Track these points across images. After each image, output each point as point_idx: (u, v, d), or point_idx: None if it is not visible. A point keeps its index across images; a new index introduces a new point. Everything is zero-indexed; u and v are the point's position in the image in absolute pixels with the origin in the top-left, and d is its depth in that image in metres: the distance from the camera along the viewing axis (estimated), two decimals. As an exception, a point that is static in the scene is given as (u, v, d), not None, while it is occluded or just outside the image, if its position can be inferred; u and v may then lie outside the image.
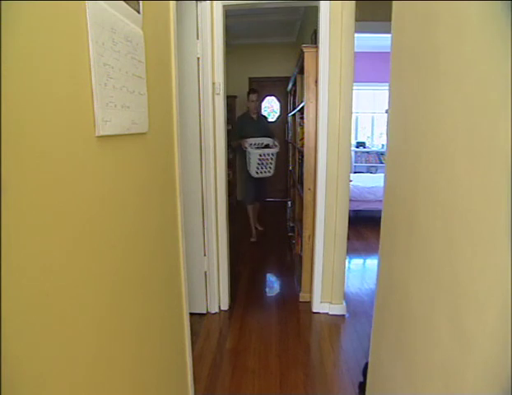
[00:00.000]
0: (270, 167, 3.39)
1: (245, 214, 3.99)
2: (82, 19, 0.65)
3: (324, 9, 2.12)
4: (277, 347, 2.03)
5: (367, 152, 6.06)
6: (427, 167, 0.78)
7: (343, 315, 2.38)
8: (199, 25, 2.09)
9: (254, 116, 3.71)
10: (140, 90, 0.93)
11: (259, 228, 4.13)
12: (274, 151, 3.39)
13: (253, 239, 3.87)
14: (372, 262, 3.35)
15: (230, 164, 4.65)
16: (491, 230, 0.54)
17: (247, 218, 3.95)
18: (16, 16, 0.48)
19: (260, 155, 3.30)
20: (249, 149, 3.36)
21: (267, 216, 5.04)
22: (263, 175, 3.40)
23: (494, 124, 0.53)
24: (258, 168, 3.35)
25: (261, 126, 3.71)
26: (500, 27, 0.51)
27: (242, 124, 3.70)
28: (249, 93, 3.69)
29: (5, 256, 0.45)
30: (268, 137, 3.67)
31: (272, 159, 3.36)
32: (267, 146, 3.57)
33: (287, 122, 4.95)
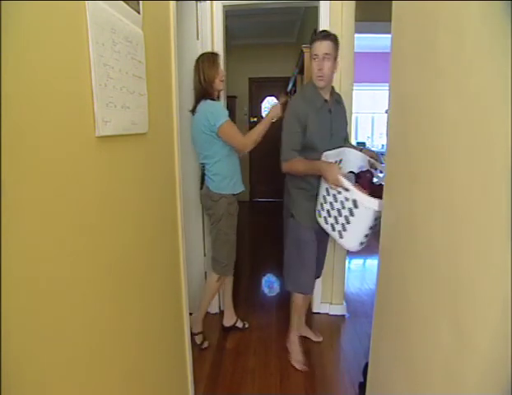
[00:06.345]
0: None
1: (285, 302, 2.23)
2: (82, 19, 0.65)
3: (324, 9, 2.12)
4: (277, 347, 2.03)
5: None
6: (427, 167, 0.78)
7: (343, 315, 2.38)
8: (199, 26, 2.09)
9: (328, 97, 1.73)
10: (140, 91, 0.93)
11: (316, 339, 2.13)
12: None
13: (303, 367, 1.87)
14: (372, 262, 3.34)
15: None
16: (491, 230, 0.54)
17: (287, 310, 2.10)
18: (15, 16, 0.48)
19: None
20: (360, 194, 1.41)
21: (265, 217, 5.05)
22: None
23: (494, 124, 0.53)
24: (367, 235, 1.51)
25: (339, 121, 1.81)
26: (500, 27, 0.51)
27: (307, 118, 1.66)
28: (314, 40, 1.66)
29: (5, 256, 0.45)
30: (341, 144, 1.79)
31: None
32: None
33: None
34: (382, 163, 1.61)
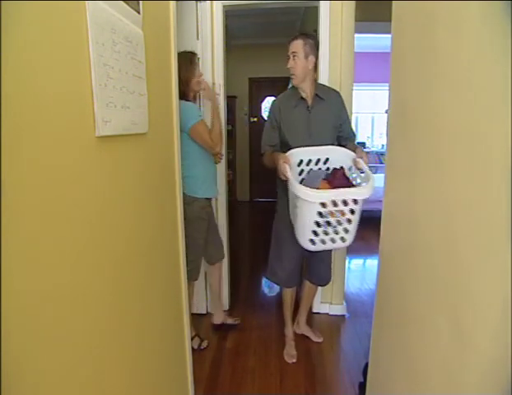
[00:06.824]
0: (346, 229, 1.43)
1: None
2: (82, 19, 0.65)
3: (324, 9, 2.12)
4: (277, 347, 2.03)
5: (367, 152, 6.04)
6: (427, 167, 0.78)
7: (343, 315, 2.38)
8: (199, 25, 2.09)
9: (307, 95, 1.75)
10: (140, 91, 0.93)
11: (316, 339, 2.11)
12: (362, 193, 1.40)
13: (292, 360, 1.92)
14: (372, 262, 3.35)
15: (230, 165, 4.65)
16: (490, 230, 0.54)
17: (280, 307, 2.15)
18: (15, 16, 0.48)
19: (323, 205, 1.33)
20: (294, 183, 1.36)
21: (265, 217, 5.05)
22: (329, 246, 1.47)
23: (494, 124, 0.53)
24: (315, 232, 1.40)
25: (324, 119, 1.74)
26: (500, 27, 0.51)
27: (281, 115, 1.75)
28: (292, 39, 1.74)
29: (5, 256, 0.45)
30: (339, 143, 1.76)
31: (352, 212, 1.40)
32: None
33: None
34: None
